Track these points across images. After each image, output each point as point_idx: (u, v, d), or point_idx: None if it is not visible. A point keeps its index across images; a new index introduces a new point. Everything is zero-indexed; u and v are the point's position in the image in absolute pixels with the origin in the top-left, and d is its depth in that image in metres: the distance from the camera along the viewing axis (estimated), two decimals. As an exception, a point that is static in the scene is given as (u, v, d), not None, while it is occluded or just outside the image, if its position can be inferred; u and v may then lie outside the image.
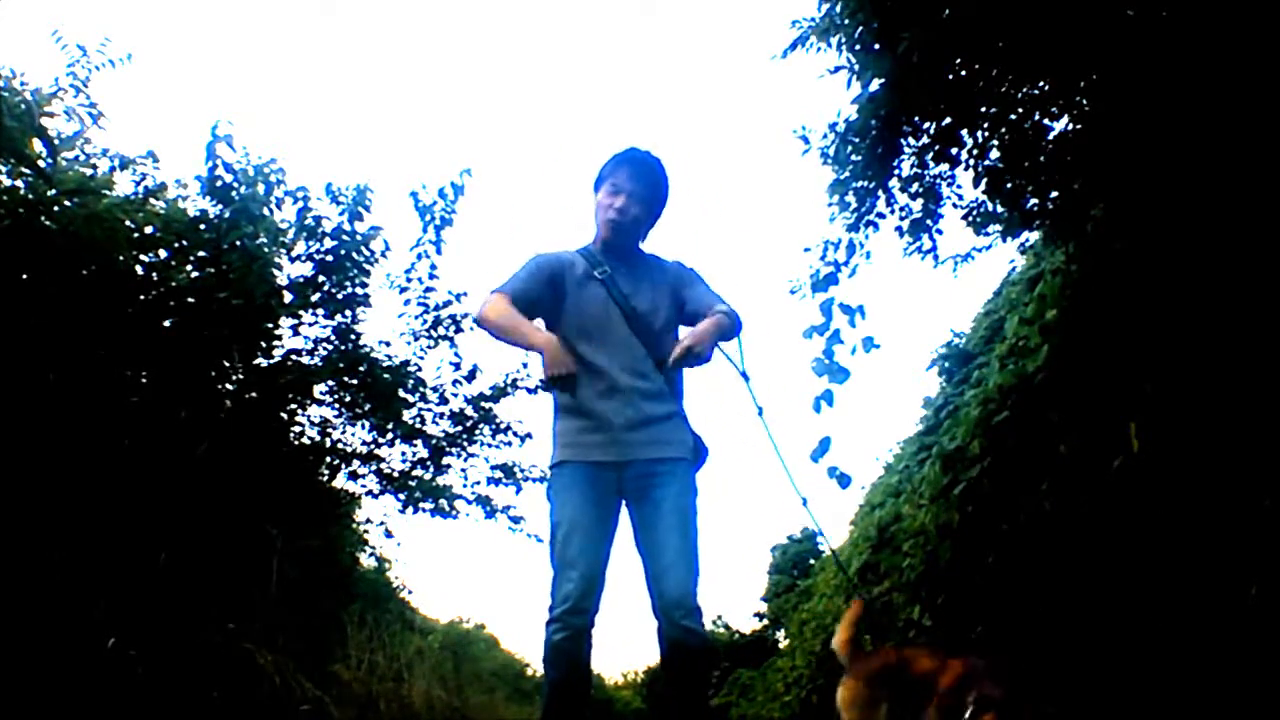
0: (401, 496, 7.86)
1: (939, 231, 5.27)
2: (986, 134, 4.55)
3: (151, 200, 5.73)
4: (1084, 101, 4.31)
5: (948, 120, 4.49)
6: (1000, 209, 5.03)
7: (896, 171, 4.95)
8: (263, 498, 6.07)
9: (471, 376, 7.30)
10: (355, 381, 6.75)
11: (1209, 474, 3.25)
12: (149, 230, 5.50)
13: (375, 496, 7.84)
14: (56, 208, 4.95)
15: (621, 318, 2.72)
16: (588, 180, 2.94)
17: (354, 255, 6.33)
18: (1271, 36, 3.32)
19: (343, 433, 7.24)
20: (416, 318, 6.98)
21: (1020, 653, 3.72)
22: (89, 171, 5.63)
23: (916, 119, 4.57)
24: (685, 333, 2.66)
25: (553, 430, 2.80)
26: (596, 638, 2.59)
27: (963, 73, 4.22)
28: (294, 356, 6.44)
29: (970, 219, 5.25)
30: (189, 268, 5.72)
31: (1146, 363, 3.74)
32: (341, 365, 6.54)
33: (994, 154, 4.65)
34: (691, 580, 2.55)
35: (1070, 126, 4.46)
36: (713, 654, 2.85)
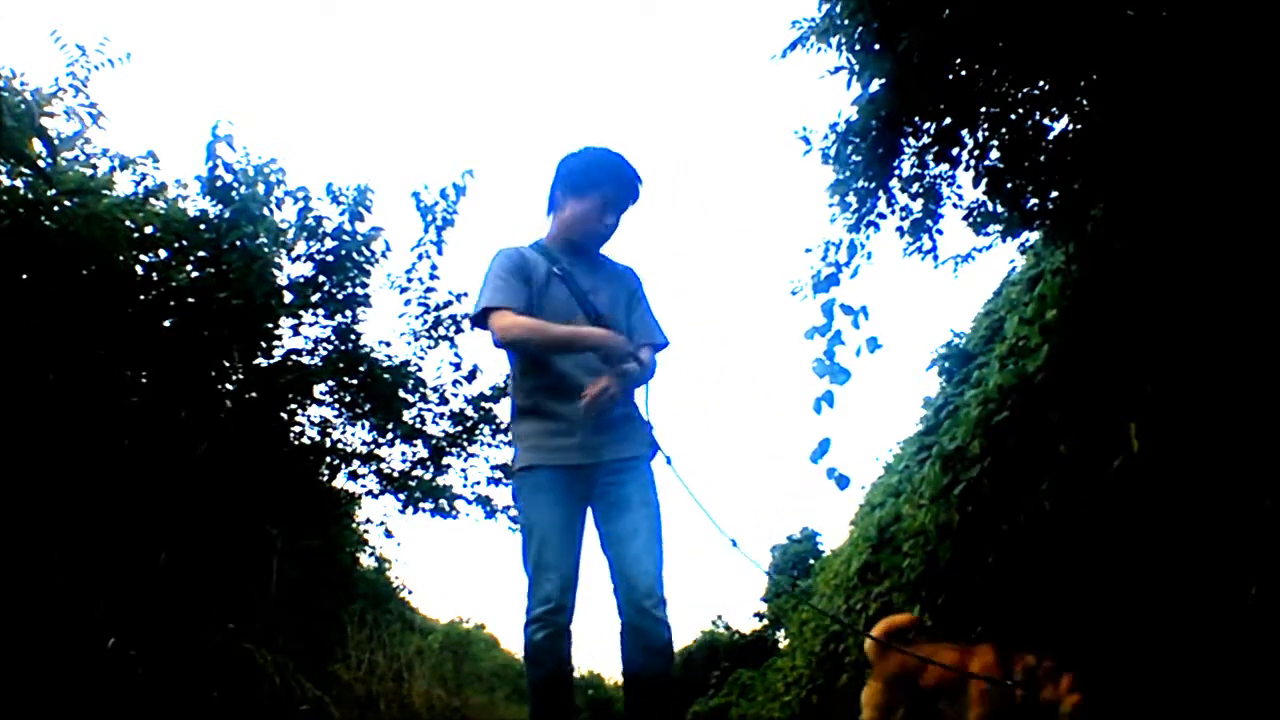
0: (401, 496, 7.87)
1: (939, 231, 5.27)
2: (986, 134, 4.55)
3: (151, 200, 5.73)
4: (1084, 101, 4.31)
5: (948, 120, 4.49)
6: (1000, 209, 5.03)
7: (897, 171, 4.95)
8: (263, 498, 6.07)
9: (471, 377, 7.32)
10: (355, 381, 6.75)
11: (1209, 474, 3.25)
12: (149, 230, 5.50)
13: (375, 496, 7.86)
14: (56, 208, 4.95)
15: (584, 318, 2.66)
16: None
17: (354, 255, 6.34)
18: (1271, 36, 3.32)
19: (343, 433, 7.25)
20: (417, 318, 6.99)
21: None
22: (89, 171, 5.63)
23: (916, 119, 4.57)
24: (592, 385, 2.55)
25: (514, 433, 2.75)
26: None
27: (963, 73, 4.21)
28: (294, 356, 6.45)
29: (970, 219, 5.25)
30: (189, 268, 5.73)
31: (1146, 363, 3.74)
32: (341, 365, 6.54)
33: (994, 154, 4.65)
34: (659, 572, 2.56)
35: (1070, 126, 4.46)
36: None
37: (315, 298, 6.34)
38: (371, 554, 11.06)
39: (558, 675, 2.54)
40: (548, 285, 2.68)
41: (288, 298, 6.16)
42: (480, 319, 2.66)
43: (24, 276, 4.75)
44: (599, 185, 2.71)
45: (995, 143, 4.58)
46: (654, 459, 2.73)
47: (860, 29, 4.24)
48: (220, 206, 5.81)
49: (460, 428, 7.50)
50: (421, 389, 7.14)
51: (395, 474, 7.63)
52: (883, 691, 3.08)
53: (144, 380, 5.56)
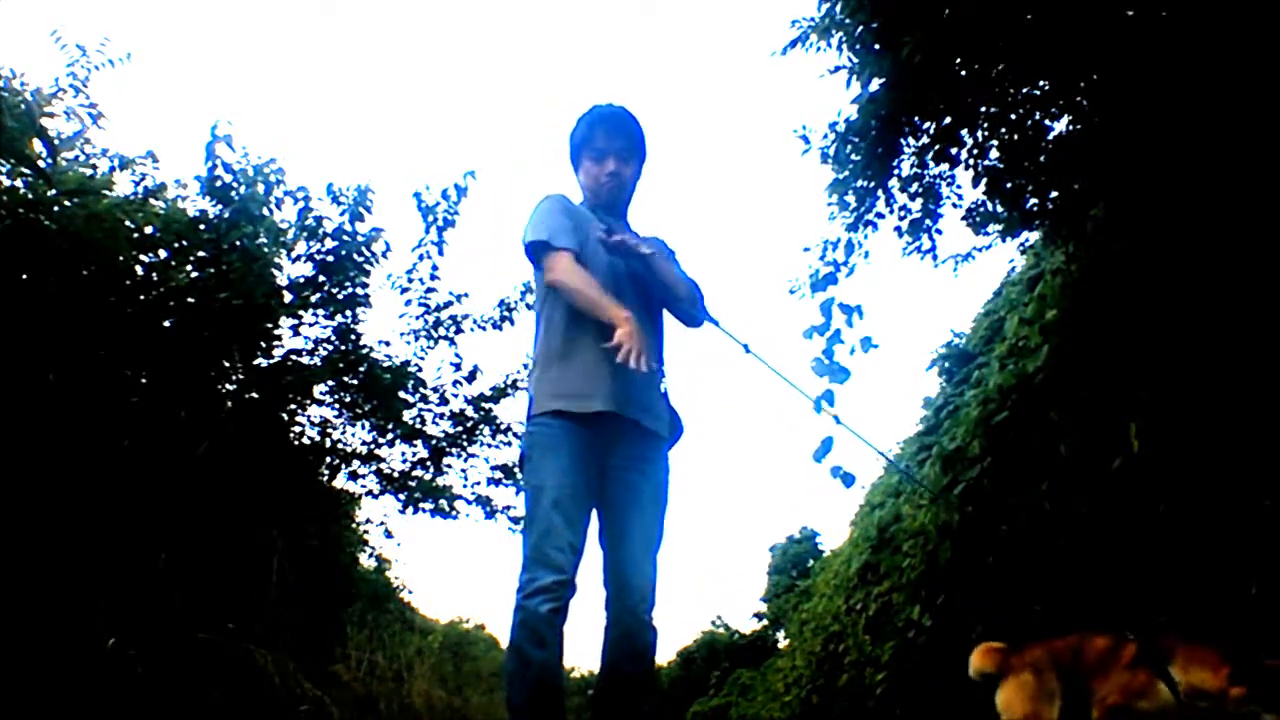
0: (401, 496, 7.87)
1: (939, 231, 5.28)
2: (986, 134, 4.55)
3: (151, 200, 5.72)
4: (1084, 101, 4.32)
5: (948, 120, 4.50)
6: (1000, 209, 5.03)
7: (896, 171, 4.95)
8: (263, 498, 6.06)
9: (472, 377, 7.31)
10: (355, 381, 6.75)
11: (1209, 474, 3.25)
12: (149, 230, 5.49)
13: (375, 496, 7.85)
14: (56, 208, 4.94)
15: (626, 277, 2.65)
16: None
17: (354, 256, 6.33)
18: (1271, 36, 3.32)
19: (343, 433, 7.25)
20: (417, 318, 6.99)
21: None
22: (89, 171, 5.62)
23: (916, 119, 4.57)
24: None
25: (538, 377, 2.61)
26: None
27: (963, 73, 4.22)
28: (294, 356, 6.44)
29: (970, 219, 5.25)
30: (189, 268, 5.72)
31: (1146, 363, 3.74)
32: (341, 365, 6.54)
33: (994, 154, 4.65)
34: (655, 577, 2.50)
35: (1070, 126, 4.46)
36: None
37: (315, 298, 6.33)
38: (371, 554, 11.06)
39: (558, 662, 2.32)
40: (590, 243, 2.66)
41: (288, 298, 6.15)
42: (536, 251, 2.61)
43: (24, 276, 4.75)
44: (588, 140, 2.75)
45: (995, 143, 4.58)
46: (675, 444, 2.69)
47: (860, 28, 4.25)
48: (220, 206, 5.80)
49: (460, 428, 7.49)
50: (421, 389, 7.13)
51: (395, 474, 7.63)
52: (1034, 682, 2.62)
53: (144, 380, 5.55)
